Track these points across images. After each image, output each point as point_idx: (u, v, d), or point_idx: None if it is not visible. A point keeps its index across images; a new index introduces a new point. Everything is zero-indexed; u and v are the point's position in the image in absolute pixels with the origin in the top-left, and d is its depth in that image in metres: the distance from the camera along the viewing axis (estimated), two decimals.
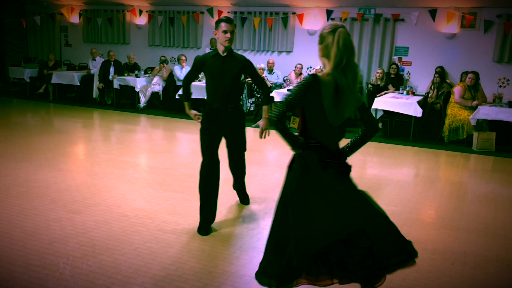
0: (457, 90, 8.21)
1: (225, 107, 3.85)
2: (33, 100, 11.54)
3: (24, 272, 3.11)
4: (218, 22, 3.75)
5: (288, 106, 2.34)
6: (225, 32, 3.70)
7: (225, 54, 3.80)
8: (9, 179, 5.14)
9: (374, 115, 8.43)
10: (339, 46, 2.27)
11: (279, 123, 2.35)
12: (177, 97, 9.91)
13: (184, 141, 8.23)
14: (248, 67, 3.95)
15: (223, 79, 3.78)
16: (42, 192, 4.74)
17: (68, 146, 7.11)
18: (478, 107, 7.86)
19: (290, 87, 9.38)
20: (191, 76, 3.99)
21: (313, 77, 2.33)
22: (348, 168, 2.55)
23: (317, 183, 2.43)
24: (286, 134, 2.41)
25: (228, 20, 3.72)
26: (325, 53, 2.36)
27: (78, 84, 11.33)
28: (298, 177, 2.43)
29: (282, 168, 5.76)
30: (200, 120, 3.92)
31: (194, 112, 4.00)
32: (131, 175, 5.53)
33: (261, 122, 4.05)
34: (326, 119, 2.38)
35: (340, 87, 2.32)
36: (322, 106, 2.34)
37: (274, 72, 10.35)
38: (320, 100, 2.33)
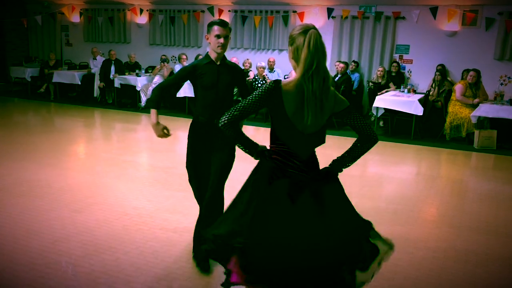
0: (458, 88, 8.20)
1: (214, 122, 3.23)
2: (34, 100, 11.55)
3: (27, 270, 3.12)
4: (210, 25, 3.28)
5: (242, 112, 2.21)
6: (218, 36, 3.24)
7: (219, 62, 3.33)
8: (11, 178, 5.14)
9: (375, 114, 8.56)
10: (310, 49, 2.14)
11: (230, 128, 2.22)
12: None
13: (184, 139, 8.17)
14: (240, 76, 3.51)
15: (216, 91, 3.27)
16: (43, 191, 4.75)
17: (69, 145, 7.12)
18: (479, 104, 7.86)
19: None
20: (172, 84, 3.39)
21: (275, 84, 2.20)
22: (327, 175, 2.34)
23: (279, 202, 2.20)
24: (240, 140, 2.29)
25: (221, 23, 3.26)
26: (294, 56, 2.23)
27: (79, 83, 11.33)
28: (261, 188, 2.23)
29: None
30: (167, 137, 3.38)
31: (162, 125, 3.35)
32: (132, 174, 5.54)
33: None
34: (294, 126, 2.22)
35: (305, 94, 2.17)
36: (286, 114, 2.20)
37: (274, 71, 10.34)
38: (282, 107, 2.19)
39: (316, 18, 10.58)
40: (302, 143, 2.26)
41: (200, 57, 11.06)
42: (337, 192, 2.37)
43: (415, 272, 3.34)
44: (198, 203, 3.52)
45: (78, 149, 7.00)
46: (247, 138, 2.32)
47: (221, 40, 3.26)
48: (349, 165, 2.41)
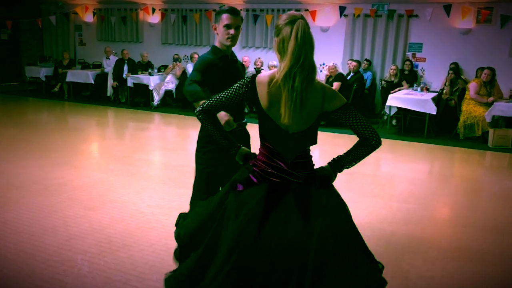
0: (472, 86, 8.12)
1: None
2: (48, 99, 11.69)
3: (44, 267, 3.18)
4: (219, 14, 2.82)
5: (219, 103, 2.11)
6: (228, 26, 2.79)
7: (232, 57, 2.96)
8: (27, 176, 5.22)
9: (388, 113, 8.51)
10: (297, 41, 1.92)
11: (206, 119, 2.12)
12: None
13: (197, 138, 8.27)
14: (242, 70, 3.16)
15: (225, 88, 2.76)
16: (59, 189, 4.81)
17: (83, 144, 7.20)
18: (494, 103, 7.77)
19: None
20: (200, 80, 2.81)
21: (250, 78, 2.06)
22: (321, 181, 2.11)
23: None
24: (218, 132, 2.17)
25: (232, 11, 2.80)
26: (279, 48, 2.01)
27: (93, 82, 11.45)
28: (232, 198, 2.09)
29: None
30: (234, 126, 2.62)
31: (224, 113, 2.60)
32: (146, 173, 5.59)
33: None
34: (275, 123, 2.02)
35: (283, 89, 1.96)
36: (262, 110, 2.04)
37: None
38: (258, 103, 2.04)
39: (328, 17, 10.56)
40: (286, 143, 2.06)
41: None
42: (331, 198, 2.12)
43: (428, 272, 3.33)
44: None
45: (92, 148, 7.08)
46: (228, 134, 2.22)
47: (232, 31, 2.79)
48: (349, 167, 2.16)
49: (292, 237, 1.96)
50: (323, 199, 2.06)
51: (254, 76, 2.07)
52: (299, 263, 1.93)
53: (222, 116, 2.53)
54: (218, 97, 2.12)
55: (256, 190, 2.05)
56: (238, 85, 2.09)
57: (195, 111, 2.15)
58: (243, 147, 2.24)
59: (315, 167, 2.17)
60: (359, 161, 2.15)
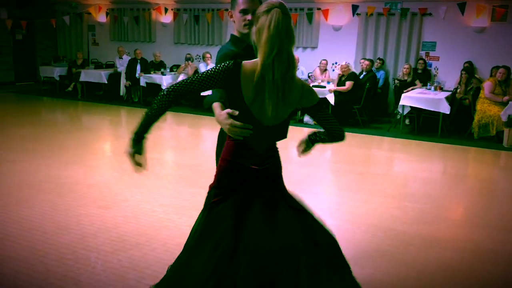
0: (487, 85, 8.02)
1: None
2: (62, 98, 11.81)
3: (58, 265, 3.21)
4: None
5: (190, 87, 1.94)
6: (244, 11, 2.44)
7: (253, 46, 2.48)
8: (40, 175, 5.28)
9: (401, 112, 8.44)
10: (270, 31, 1.86)
11: (165, 101, 1.96)
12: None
13: (209, 137, 8.29)
14: None
15: None
16: (72, 188, 4.86)
17: (96, 143, 7.26)
18: (510, 102, 7.65)
19: (315, 83, 9.34)
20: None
21: (234, 65, 1.93)
22: (274, 173, 2.14)
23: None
24: (150, 119, 2.04)
25: None
26: (257, 38, 1.94)
27: (106, 82, 11.54)
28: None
29: (309, 164, 5.76)
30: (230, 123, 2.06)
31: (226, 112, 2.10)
32: (158, 172, 5.62)
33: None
34: (252, 115, 1.96)
35: (266, 81, 1.90)
36: (243, 101, 1.94)
37: (298, 68, 10.31)
38: (240, 93, 1.93)
39: (340, 16, 10.51)
40: (259, 136, 2.01)
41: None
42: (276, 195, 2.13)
43: (442, 272, 3.29)
44: None
45: (105, 147, 7.14)
46: (150, 125, 2.06)
47: (249, 16, 2.43)
48: (318, 141, 2.27)
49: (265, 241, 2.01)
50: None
51: (238, 62, 1.94)
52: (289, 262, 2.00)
53: (222, 119, 2.03)
54: (192, 80, 1.95)
55: (223, 210, 2.08)
56: (218, 69, 1.94)
57: (161, 93, 1.98)
58: (143, 145, 2.11)
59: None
60: (325, 143, 2.28)
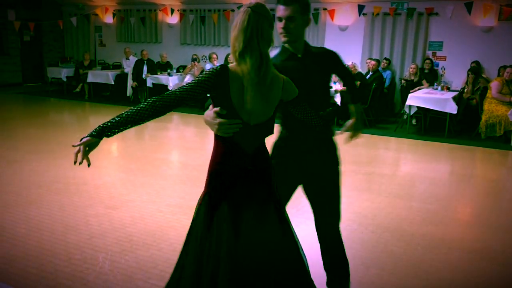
0: (494, 85, 7.98)
1: (309, 135, 2.42)
2: (69, 99, 11.88)
3: (67, 265, 3.24)
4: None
5: (178, 99, 1.92)
6: (279, 19, 2.36)
7: (300, 54, 2.39)
8: (48, 175, 5.32)
9: (408, 112, 8.41)
10: (238, 28, 1.91)
11: (152, 110, 1.89)
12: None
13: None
14: (335, 61, 2.54)
15: (307, 92, 2.22)
16: (80, 188, 4.89)
17: (104, 143, 7.23)
18: None
19: None
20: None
21: (221, 68, 1.94)
22: (264, 175, 2.12)
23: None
24: (121, 116, 1.97)
25: (283, 0, 2.36)
26: (231, 37, 2.00)
27: (113, 83, 11.59)
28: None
29: None
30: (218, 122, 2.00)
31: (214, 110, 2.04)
32: (165, 172, 5.64)
33: (350, 122, 2.63)
34: (239, 117, 1.97)
35: (244, 80, 1.94)
36: (231, 102, 1.95)
37: None
38: (228, 95, 1.94)
39: (347, 16, 10.49)
40: (247, 136, 2.02)
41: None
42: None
43: (449, 273, 3.28)
44: None
45: (111, 148, 7.17)
46: (124, 127, 2.03)
47: (282, 24, 2.34)
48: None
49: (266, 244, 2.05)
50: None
51: (225, 66, 1.95)
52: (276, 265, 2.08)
53: (209, 119, 2.03)
54: (179, 91, 1.94)
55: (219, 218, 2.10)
56: (205, 76, 1.93)
57: (148, 100, 1.92)
58: (99, 141, 2.04)
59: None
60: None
